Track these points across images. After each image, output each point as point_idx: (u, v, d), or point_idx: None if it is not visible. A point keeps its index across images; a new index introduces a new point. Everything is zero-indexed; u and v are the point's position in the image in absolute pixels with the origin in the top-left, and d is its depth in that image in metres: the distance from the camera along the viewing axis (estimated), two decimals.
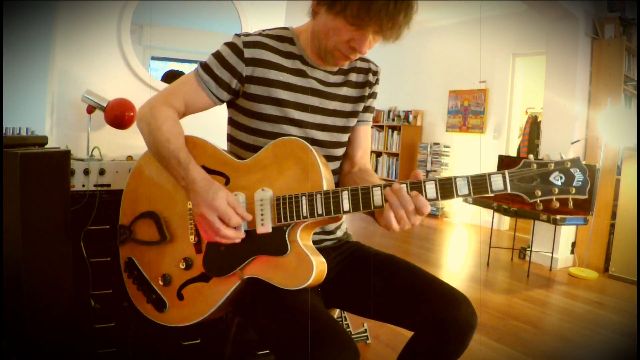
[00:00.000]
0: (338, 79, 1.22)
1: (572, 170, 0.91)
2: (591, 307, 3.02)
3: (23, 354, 1.28)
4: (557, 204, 0.92)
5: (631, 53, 3.98)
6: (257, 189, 1.06)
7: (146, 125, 1.11)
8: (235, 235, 1.04)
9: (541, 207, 0.95)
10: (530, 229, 4.08)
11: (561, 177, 0.91)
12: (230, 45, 1.13)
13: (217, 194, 1.02)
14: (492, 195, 0.93)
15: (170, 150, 1.07)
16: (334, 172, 1.22)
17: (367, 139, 1.31)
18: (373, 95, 1.30)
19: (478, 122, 5.74)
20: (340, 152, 1.25)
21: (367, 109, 1.30)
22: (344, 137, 1.26)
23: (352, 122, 1.26)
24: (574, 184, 0.91)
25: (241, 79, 1.13)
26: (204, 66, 1.14)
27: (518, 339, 2.42)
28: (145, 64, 2.13)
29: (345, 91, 1.23)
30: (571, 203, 0.92)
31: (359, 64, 1.26)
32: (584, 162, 4.04)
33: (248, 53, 1.12)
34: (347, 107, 1.24)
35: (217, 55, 1.14)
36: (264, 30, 1.19)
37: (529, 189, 0.92)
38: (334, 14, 1.02)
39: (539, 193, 0.92)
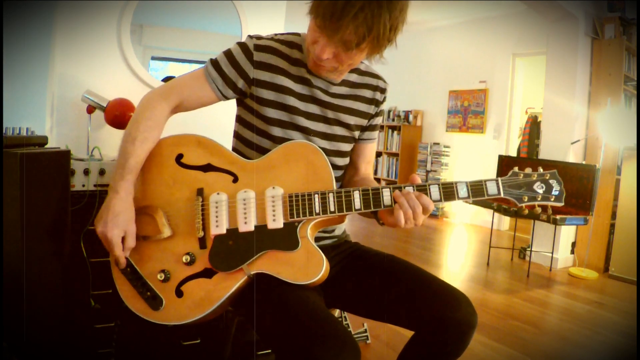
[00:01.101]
0: (343, 90, 1.23)
1: (550, 181, 1.08)
2: (591, 307, 3.02)
3: (23, 354, 1.28)
4: (539, 210, 1.09)
5: (631, 53, 3.98)
6: (266, 187, 1.08)
7: (134, 115, 1.14)
8: (120, 260, 1.09)
9: (526, 212, 1.07)
10: (530, 229, 4.08)
11: (542, 187, 1.08)
12: (242, 45, 1.16)
13: (117, 225, 1.06)
14: (488, 198, 1.06)
15: (126, 150, 1.10)
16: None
17: (372, 153, 1.35)
18: (379, 114, 1.32)
19: (478, 122, 5.74)
20: (340, 161, 1.26)
21: (373, 127, 1.32)
22: (346, 147, 1.27)
23: (355, 134, 1.28)
24: (553, 192, 1.07)
25: (247, 80, 1.15)
26: (214, 62, 1.16)
27: (518, 339, 2.42)
28: (145, 64, 2.13)
29: (349, 103, 1.24)
30: (550, 210, 1.10)
31: (368, 80, 1.27)
32: (583, 162, 4.03)
33: (257, 56, 1.14)
34: (350, 119, 1.24)
35: (228, 54, 1.16)
36: (276, 35, 1.21)
37: (518, 195, 1.07)
38: (310, 14, 1.04)
39: (526, 199, 1.07)
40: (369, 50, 1.05)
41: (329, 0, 0.95)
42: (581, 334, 2.57)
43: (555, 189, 1.07)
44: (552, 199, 1.07)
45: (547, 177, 1.08)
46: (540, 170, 1.09)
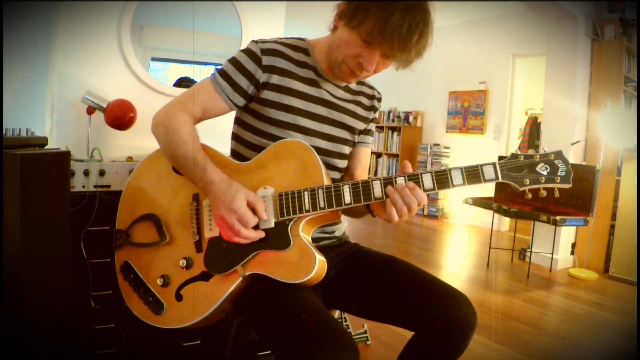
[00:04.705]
0: (346, 95, 1.27)
1: (555, 162, 1.01)
2: (591, 308, 3.02)
3: (23, 355, 1.28)
4: (545, 193, 1.00)
5: (631, 54, 3.98)
6: (258, 188, 1.08)
7: (163, 129, 1.11)
8: (256, 236, 1.05)
9: (530, 196, 1.01)
10: (530, 230, 4.08)
11: (546, 168, 1.00)
12: (248, 51, 1.16)
13: (235, 196, 1.03)
14: (485, 183, 1.00)
15: (188, 152, 1.08)
16: (333, 181, 1.24)
17: (367, 158, 1.37)
18: (374, 121, 1.36)
19: (478, 123, 5.74)
20: (340, 163, 1.27)
21: (368, 132, 1.35)
22: (346, 149, 1.29)
23: (355, 137, 1.30)
24: (559, 173, 1.00)
25: (257, 85, 1.16)
26: (221, 72, 1.16)
27: (518, 340, 2.42)
28: (145, 65, 2.13)
29: (352, 107, 1.27)
30: (557, 192, 1.01)
31: (365, 90, 1.32)
32: (583, 163, 4.01)
33: (266, 60, 1.15)
34: (354, 122, 1.28)
35: (234, 62, 1.16)
36: (280, 38, 1.22)
37: (518, 178, 1.00)
38: (350, 27, 1.06)
39: (527, 182, 1.00)
40: (409, 64, 1.11)
41: (386, 23, 0.99)
42: (581, 334, 2.56)
43: (562, 170, 1.00)
44: (558, 180, 1.00)
45: (552, 158, 1.01)
46: (544, 150, 1.01)
